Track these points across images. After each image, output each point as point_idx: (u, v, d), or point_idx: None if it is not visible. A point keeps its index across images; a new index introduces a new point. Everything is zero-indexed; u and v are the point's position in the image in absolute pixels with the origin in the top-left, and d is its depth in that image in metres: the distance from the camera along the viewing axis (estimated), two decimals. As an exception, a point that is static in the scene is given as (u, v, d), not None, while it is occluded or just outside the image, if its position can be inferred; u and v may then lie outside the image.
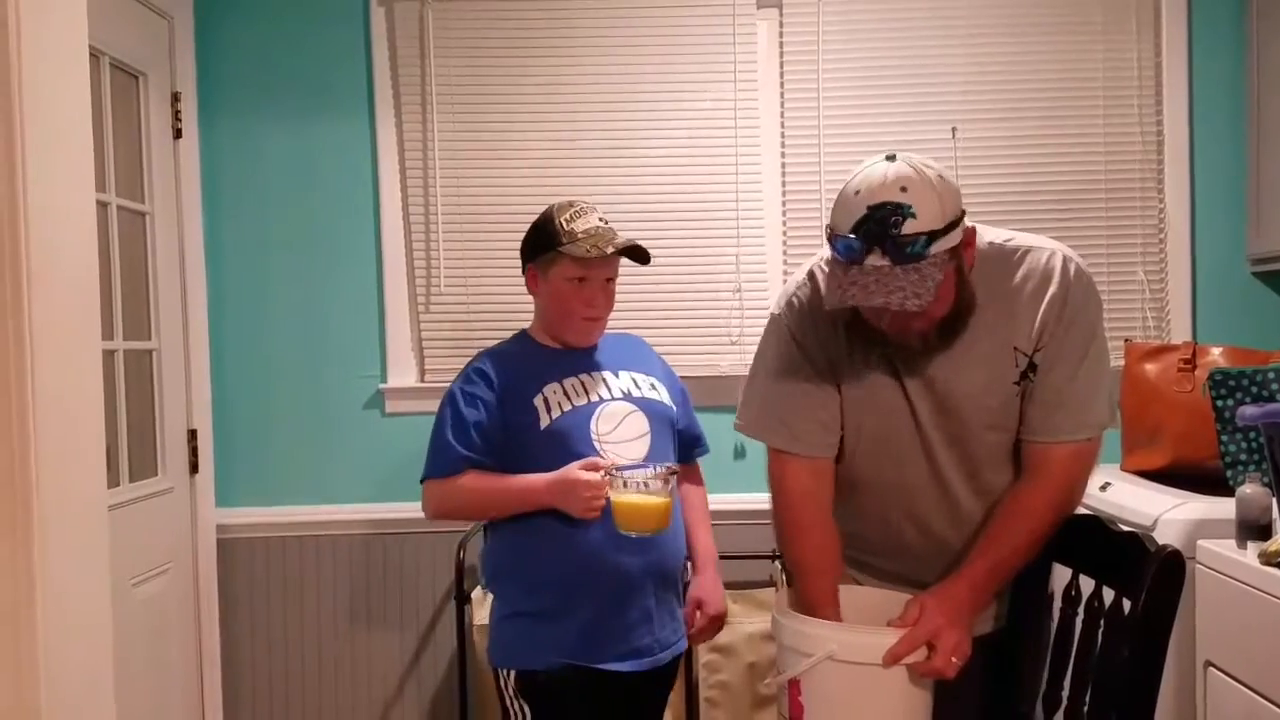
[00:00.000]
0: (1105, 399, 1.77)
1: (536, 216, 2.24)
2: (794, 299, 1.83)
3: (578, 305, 2.19)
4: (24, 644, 1.25)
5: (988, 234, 1.77)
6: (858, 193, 1.59)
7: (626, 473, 2.05)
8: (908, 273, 1.56)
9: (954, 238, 1.61)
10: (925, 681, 1.67)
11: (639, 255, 2.20)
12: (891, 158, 1.62)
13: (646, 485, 2.02)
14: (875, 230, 1.56)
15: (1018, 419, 1.79)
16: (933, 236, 1.57)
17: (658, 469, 2.06)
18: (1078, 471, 1.78)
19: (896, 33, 3.20)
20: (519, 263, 2.23)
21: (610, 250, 2.13)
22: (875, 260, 1.57)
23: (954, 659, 1.62)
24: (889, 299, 1.56)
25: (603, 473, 2.04)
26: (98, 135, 2.62)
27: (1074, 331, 1.73)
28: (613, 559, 2.08)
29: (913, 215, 1.56)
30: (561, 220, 2.17)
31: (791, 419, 1.81)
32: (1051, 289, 1.73)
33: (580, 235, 2.15)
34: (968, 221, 1.67)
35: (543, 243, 2.19)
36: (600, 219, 2.19)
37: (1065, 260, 1.75)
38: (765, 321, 1.91)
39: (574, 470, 2.05)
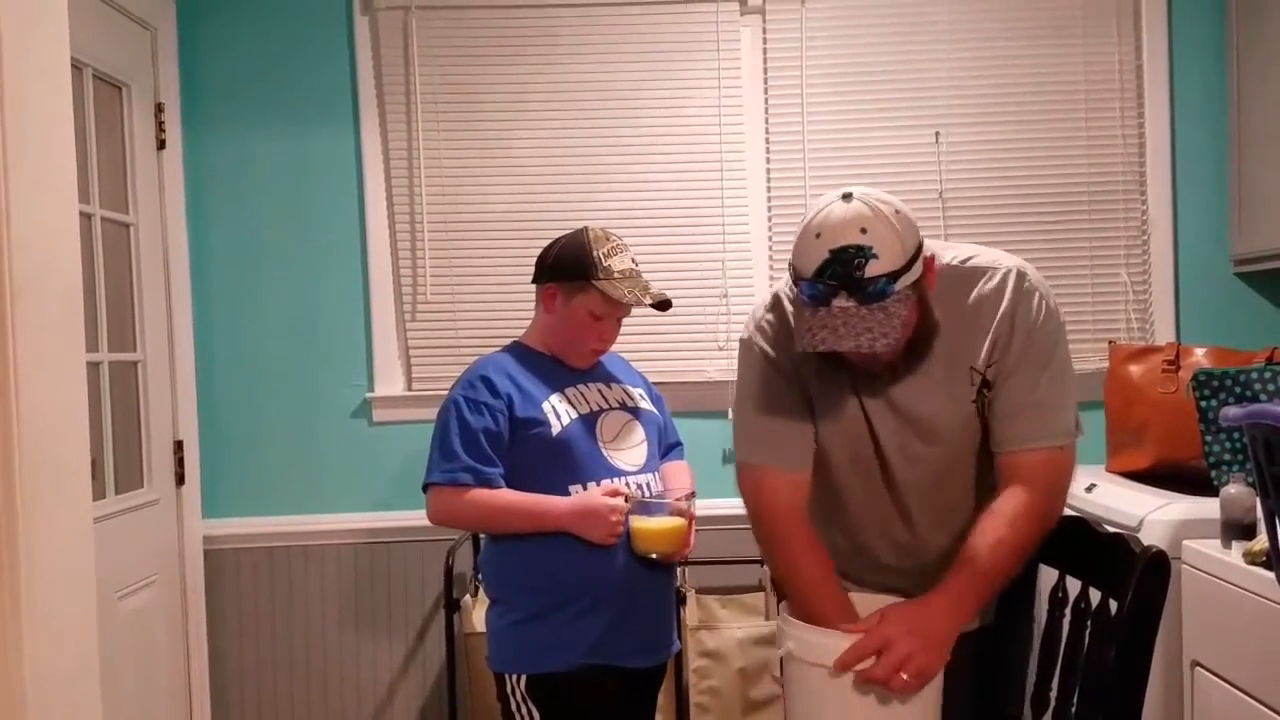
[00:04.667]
0: (1072, 410, 1.77)
1: (565, 234, 2.26)
2: (763, 323, 1.85)
3: (591, 337, 2.22)
4: (9, 657, 1.24)
5: (945, 254, 1.78)
6: (819, 236, 1.60)
7: (647, 499, 2.14)
8: (874, 312, 1.58)
9: (915, 272, 1.62)
10: (931, 693, 1.66)
11: (664, 305, 2.24)
12: (848, 197, 1.62)
13: (665, 509, 2.12)
14: (839, 273, 1.57)
15: (978, 438, 1.80)
16: (895, 276, 1.58)
17: (677, 495, 2.16)
18: (1052, 477, 1.75)
19: (880, 37, 3.22)
20: (506, 271, 2.25)
21: (648, 301, 2.18)
22: (841, 302, 1.58)
23: (902, 673, 1.57)
24: (858, 341, 1.57)
25: (624, 498, 2.10)
26: (81, 147, 2.61)
27: (1030, 343, 1.74)
28: (629, 559, 2.13)
29: (874, 256, 1.56)
30: (600, 253, 2.18)
31: (775, 434, 1.82)
32: (1002, 306, 1.75)
33: (617, 275, 2.17)
34: (928, 243, 1.67)
35: (574, 269, 2.19)
36: (633, 259, 2.23)
37: (1019, 276, 1.76)
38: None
39: (597, 498, 2.10)
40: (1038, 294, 1.76)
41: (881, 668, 1.57)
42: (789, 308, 1.82)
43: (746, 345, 1.87)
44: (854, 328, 1.57)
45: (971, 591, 1.69)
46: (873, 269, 1.56)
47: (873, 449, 1.82)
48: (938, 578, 1.74)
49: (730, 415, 1.94)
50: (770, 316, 1.84)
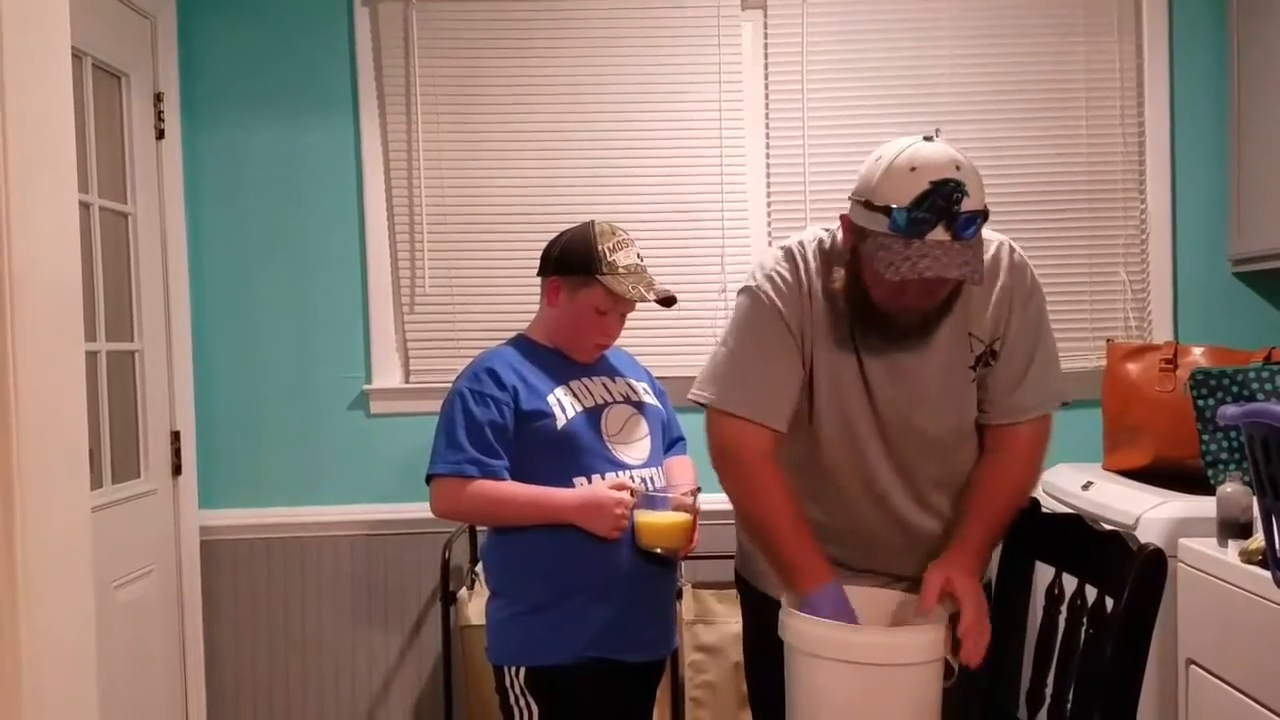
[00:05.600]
0: (1058, 371, 1.89)
1: (571, 227, 2.25)
2: (774, 274, 1.83)
3: (595, 331, 2.22)
4: (6, 647, 1.24)
5: None
6: (914, 169, 1.63)
7: (653, 492, 2.13)
8: (965, 248, 1.62)
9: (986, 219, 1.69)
10: (935, 682, 1.67)
11: (668, 301, 2.24)
12: (930, 138, 1.68)
13: (670, 503, 2.12)
14: (938, 205, 1.60)
15: (973, 403, 1.86)
16: (984, 214, 1.65)
17: (682, 490, 2.14)
18: (1043, 441, 1.89)
19: (880, 34, 3.21)
20: (505, 264, 2.25)
21: (651, 297, 2.17)
22: (938, 235, 1.61)
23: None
24: (961, 271, 1.61)
25: (630, 492, 2.09)
26: (80, 136, 2.60)
27: (1026, 316, 1.82)
28: (633, 554, 2.13)
29: (967, 194, 1.62)
30: (605, 247, 2.17)
31: (763, 390, 1.82)
32: (1001, 279, 1.81)
33: (622, 270, 2.16)
34: None
35: (578, 264, 2.18)
36: (638, 254, 2.21)
37: (1010, 249, 1.85)
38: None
39: (603, 490, 2.09)
40: (1028, 266, 1.86)
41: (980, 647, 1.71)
42: (801, 264, 1.82)
43: (751, 294, 1.84)
44: (955, 259, 1.61)
45: (986, 549, 1.85)
46: (967, 205, 1.61)
47: (871, 416, 1.83)
48: (928, 550, 1.83)
49: (713, 352, 1.91)
50: (783, 269, 1.83)
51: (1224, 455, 2.52)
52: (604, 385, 2.24)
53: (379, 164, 3.23)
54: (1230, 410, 1.91)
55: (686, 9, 3.21)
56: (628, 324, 2.29)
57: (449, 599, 2.95)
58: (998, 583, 1.95)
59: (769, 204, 3.26)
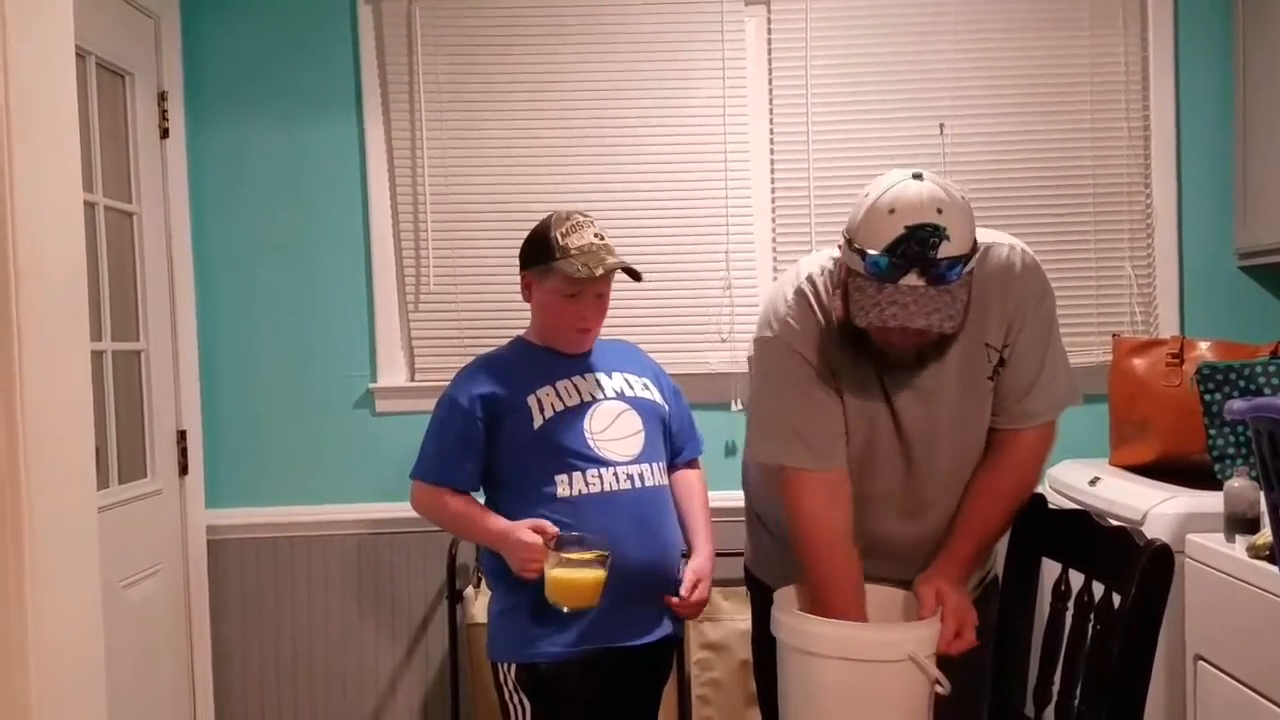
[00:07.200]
0: (1067, 375, 1.86)
1: (536, 223, 2.26)
2: (789, 319, 1.82)
3: (569, 318, 2.22)
4: (14, 647, 1.24)
5: None
6: (892, 211, 1.60)
7: (569, 543, 2.07)
8: (941, 294, 1.59)
9: (975, 260, 1.65)
10: (925, 679, 1.67)
11: (631, 274, 2.23)
12: (919, 176, 1.64)
13: (581, 561, 2.05)
14: (913, 251, 1.58)
15: (989, 415, 1.85)
16: (965, 260, 1.61)
17: (596, 551, 2.06)
18: (1045, 449, 1.88)
19: (884, 29, 3.20)
20: (509, 261, 2.27)
21: (600, 272, 2.15)
22: (911, 281, 1.59)
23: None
24: (929, 320, 1.59)
25: (545, 539, 2.07)
26: (84, 135, 2.60)
27: (1037, 321, 1.81)
28: (617, 553, 2.09)
29: (947, 238, 1.58)
30: (557, 234, 2.19)
31: (808, 435, 1.80)
32: (1013, 284, 1.79)
33: (574, 252, 2.17)
34: None
35: (538, 254, 2.21)
36: (596, 234, 2.21)
37: (1022, 253, 1.82)
38: (756, 317, 1.91)
39: (519, 530, 2.10)
40: (1039, 268, 1.83)
41: (969, 631, 1.75)
42: (813, 300, 1.81)
43: (773, 344, 1.83)
44: (924, 307, 1.59)
45: (975, 558, 1.86)
46: (945, 250, 1.58)
47: (896, 435, 1.83)
48: (920, 560, 1.84)
49: (748, 410, 1.92)
50: (795, 312, 1.82)
51: (1231, 450, 2.52)
52: (597, 381, 2.24)
53: (383, 161, 3.23)
54: (1237, 405, 1.91)
55: (690, 5, 3.20)
56: (632, 322, 2.29)
57: (455, 597, 2.96)
58: (1005, 579, 1.95)
59: (773, 200, 3.25)
